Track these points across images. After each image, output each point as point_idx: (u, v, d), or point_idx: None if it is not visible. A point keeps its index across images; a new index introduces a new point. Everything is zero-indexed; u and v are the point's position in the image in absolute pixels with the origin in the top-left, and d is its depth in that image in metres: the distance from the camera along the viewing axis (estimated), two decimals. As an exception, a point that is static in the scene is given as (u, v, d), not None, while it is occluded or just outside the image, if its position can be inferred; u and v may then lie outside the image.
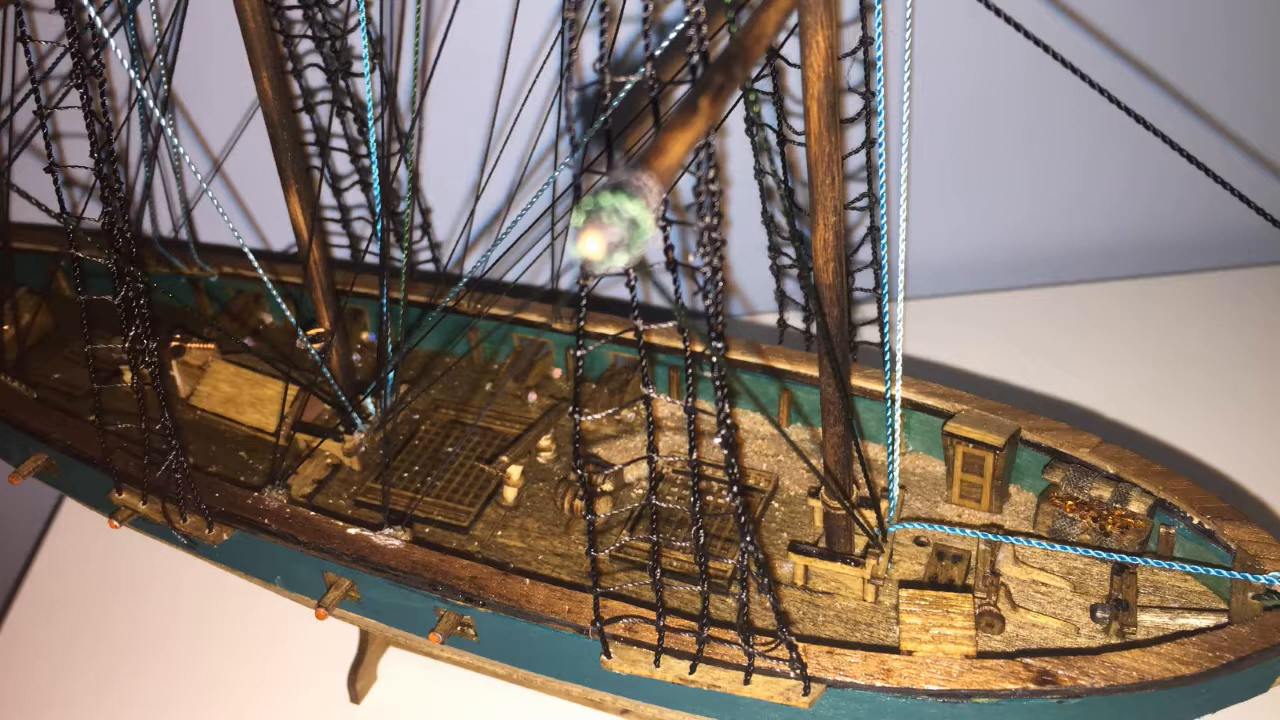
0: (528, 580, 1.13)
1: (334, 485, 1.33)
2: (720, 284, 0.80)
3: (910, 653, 1.03)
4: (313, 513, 1.24)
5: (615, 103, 0.83)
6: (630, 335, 1.06)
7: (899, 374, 1.15)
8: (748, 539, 0.94)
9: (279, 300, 1.30)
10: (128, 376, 1.41)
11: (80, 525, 1.63)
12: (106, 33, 1.10)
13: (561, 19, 1.23)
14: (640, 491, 1.30)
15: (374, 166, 1.31)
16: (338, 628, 1.39)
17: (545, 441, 1.35)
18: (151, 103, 1.18)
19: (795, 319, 1.47)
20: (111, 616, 1.52)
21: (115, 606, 1.53)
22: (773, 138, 1.27)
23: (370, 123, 1.25)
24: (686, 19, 0.76)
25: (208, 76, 1.62)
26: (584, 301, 0.88)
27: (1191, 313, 1.83)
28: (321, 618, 1.23)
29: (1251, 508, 1.49)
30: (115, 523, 1.32)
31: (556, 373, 1.48)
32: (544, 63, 1.49)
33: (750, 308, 1.88)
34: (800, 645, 1.02)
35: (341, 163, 1.62)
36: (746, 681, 1.04)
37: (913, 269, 1.62)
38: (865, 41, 1.19)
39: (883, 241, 1.28)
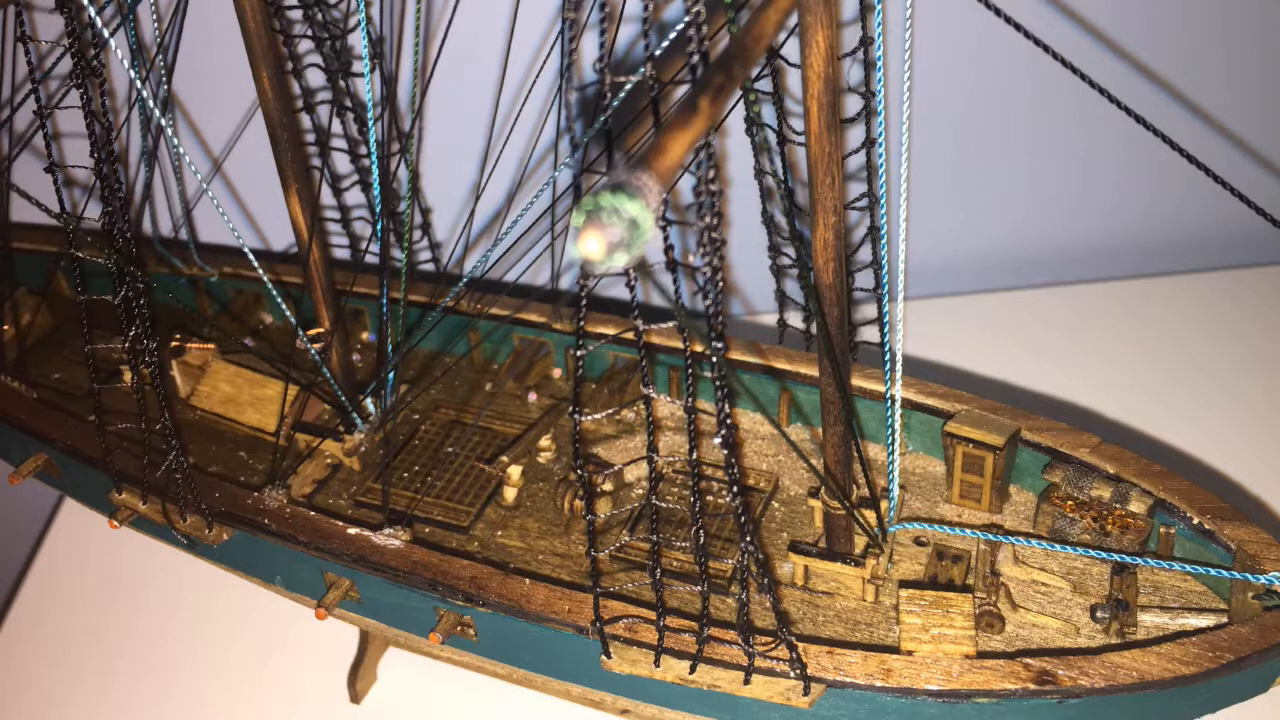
0: (528, 580, 1.13)
1: (334, 485, 1.33)
2: (720, 284, 0.80)
3: (910, 653, 1.03)
4: (313, 513, 1.24)
5: (615, 103, 0.83)
6: (630, 335, 1.06)
7: (899, 374, 1.15)
8: (748, 539, 0.94)
9: (279, 300, 1.30)
10: (128, 376, 1.41)
11: (80, 525, 1.63)
12: (106, 33, 1.10)
13: (561, 19, 1.23)
14: (640, 491, 1.30)
15: (374, 166, 1.31)
16: (338, 628, 1.39)
17: (545, 441, 1.35)
18: (151, 103, 1.18)
19: (795, 319, 1.47)
20: (111, 616, 1.52)
21: (115, 606, 1.53)
22: (773, 138, 1.27)
23: (370, 123, 1.25)
24: (686, 19, 0.76)
25: (208, 76, 1.62)
26: (584, 301, 0.88)
27: (1191, 313, 1.83)
28: (321, 618, 1.23)
29: (1251, 508, 1.49)
30: (115, 523, 1.32)
31: (556, 373, 1.48)
32: (544, 63, 1.49)
33: (750, 308, 1.88)
34: (800, 645, 1.02)
35: (341, 163, 1.63)
36: (746, 681, 1.04)
37: (913, 269, 1.62)
38: (865, 41, 1.19)
39: (883, 241, 1.28)
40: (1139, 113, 1.02)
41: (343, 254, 1.68)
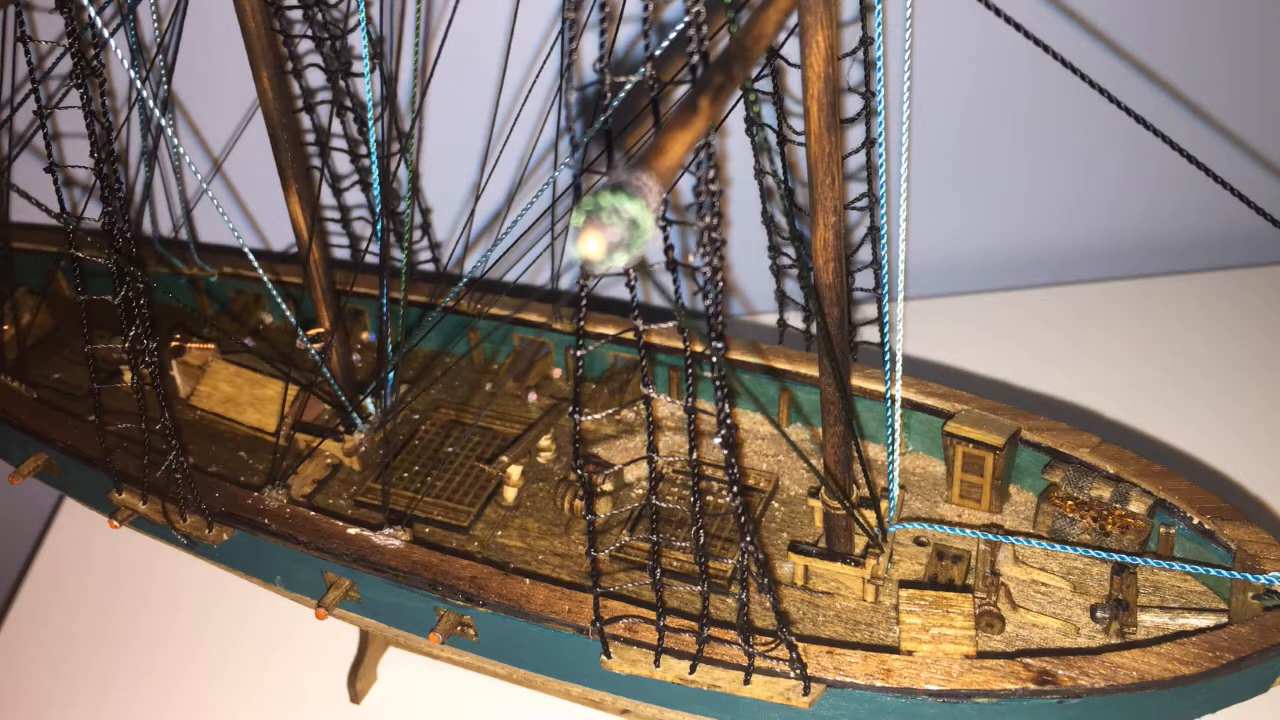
0: (528, 580, 1.13)
1: (334, 485, 1.33)
2: (720, 284, 0.80)
3: (910, 653, 1.03)
4: (313, 513, 1.24)
5: (615, 103, 0.83)
6: (630, 335, 1.06)
7: (899, 374, 1.15)
8: (748, 539, 0.94)
9: (279, 300, 1.30)
10: (128, 376, 1.41)
11: (80, 525, 1.63)
12: (106, 33, 1.10)
13: (561, 19, 1.23)
14: (640, 491, 1.30)
15: (374, 166, 1.31)
16: (338, 628, 1.39)
17: (545, 441, 1.35)
18: (151, 103, 1.18)
19: (795, 319, 1.47)
20: (111, 616, 1.52)
21: (115, 606, 1.53)
22: (773, 138, 1.27)
23: (370, 123, 1.26)
24: (686, 19, 0.76)
25: (208, 76, 1.62)
26: (584, 301, 0.88)
27: (1191, 313, 1.83)
28: (321, 618, 1.23)
29: (1251, 508, 1.49)
30: (115, 523, 1.32)
31: (556, 373, 1.48)
32: (544, 63, 1.49)
33: (750, 308, 1.88)
34: (800, 645, 1.02)
35: (341, 163, 1.63)
36: (746, 681, 1.04)
37: (913, 269, 1.62)
38: (865, 41, 1.19)
39: (883, 241, 1.28)
40: (1139, 113, 1.02)
41: (343, 254, 1.68)
